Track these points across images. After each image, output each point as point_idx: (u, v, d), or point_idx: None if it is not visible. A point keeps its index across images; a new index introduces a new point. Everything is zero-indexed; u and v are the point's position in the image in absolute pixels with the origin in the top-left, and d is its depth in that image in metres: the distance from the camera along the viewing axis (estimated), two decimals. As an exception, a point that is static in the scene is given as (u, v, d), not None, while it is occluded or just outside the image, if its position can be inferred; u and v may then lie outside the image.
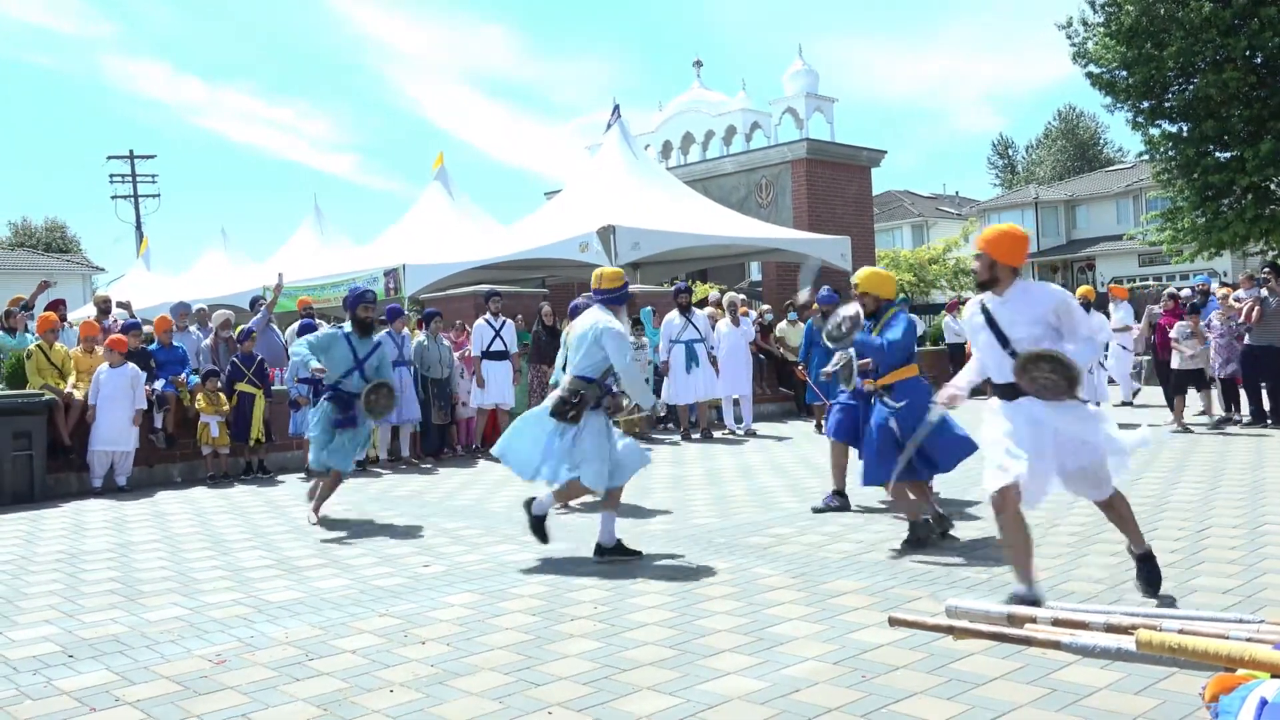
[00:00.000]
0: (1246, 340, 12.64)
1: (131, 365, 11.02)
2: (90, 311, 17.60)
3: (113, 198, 48.97)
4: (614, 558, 6.54)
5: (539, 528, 6.70)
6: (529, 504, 6.74)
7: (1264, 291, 12.51)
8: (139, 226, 48.16)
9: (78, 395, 10.87)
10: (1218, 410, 13.72)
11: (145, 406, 11.04)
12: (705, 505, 8.63)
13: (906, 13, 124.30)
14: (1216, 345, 13.41)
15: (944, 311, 20.71)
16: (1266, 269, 13.00)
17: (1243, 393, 13.17)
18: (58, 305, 13.12)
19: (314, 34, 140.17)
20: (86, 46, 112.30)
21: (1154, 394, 15.75)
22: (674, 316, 13.76)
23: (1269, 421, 12.76)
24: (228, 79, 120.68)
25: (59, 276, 44.45)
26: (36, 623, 5.62)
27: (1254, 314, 12.46)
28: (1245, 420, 12.99)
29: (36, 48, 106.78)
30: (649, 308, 15.13)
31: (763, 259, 23.62)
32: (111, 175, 48.94)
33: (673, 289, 14.69)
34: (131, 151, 48.65)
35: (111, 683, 4.54)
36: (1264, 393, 12.86)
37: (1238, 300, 13.05)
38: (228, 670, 4.65)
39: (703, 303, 15.99)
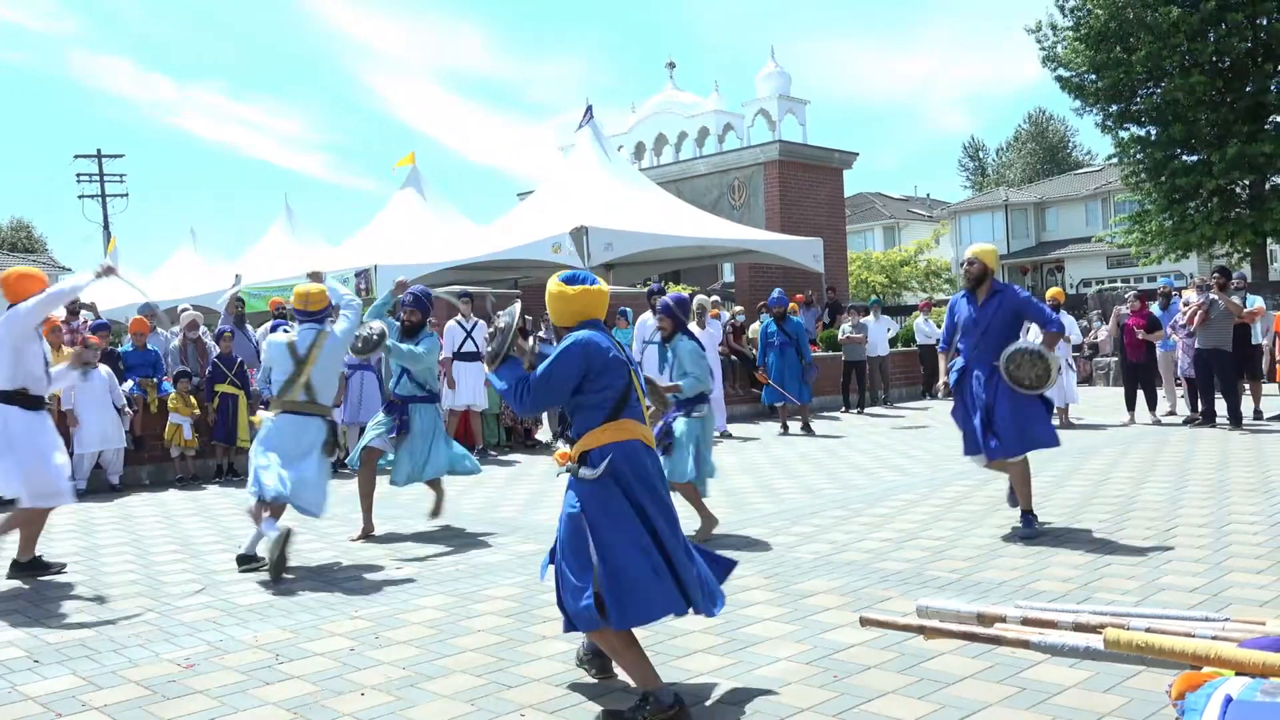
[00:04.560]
0: (1196, 344, 12.85)
1: (104, 366, 10.94)
2: (57, 312, 17.35)
3: (80, 197, 48.46)
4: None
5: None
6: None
7: (1213, 294, 12.68)
8: (106, 226, 47.70)
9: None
10: (1183, 409, 14.00)
11: (124, 404, 11.00)
12: (677, 506, 8.62)
13: (881, 15, 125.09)
14: (1184, 345, 13.59)
15: (916, 312, 20.82)
16: (1215, 273, 13.17)
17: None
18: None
19: (283, 31, 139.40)
20: (53, 43, 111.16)
21: (1102, 394, 15.90)
22: (648, 318, 13.76)
23: (1218, 422, 12.96)
24: (196, 76, 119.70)
25: (25, 276, 43.91)
26: (1, 627, 5.55)
27: (1198, 318, 12.64)
28: (1197, 421, 13.18)
29: (1, 43, 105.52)
30: (626, 308, 15.15)
31: (735, 260, 23.69)
32: (79, 175, 48.42)
33: (647, 290, 14.70)
34: (99, 150, 48.19)
35: (78, 688, 4.49)
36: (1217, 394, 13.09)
37: (1186, 304, 13.22)
38: (196, 674, 4.61)
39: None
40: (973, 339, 6.99)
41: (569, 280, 4.39)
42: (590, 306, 4.36)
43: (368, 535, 7.82)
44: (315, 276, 7.97)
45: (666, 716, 3.81)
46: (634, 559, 3.98)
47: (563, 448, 4.32)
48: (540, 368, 4.22)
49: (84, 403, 10.64)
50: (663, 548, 4.10)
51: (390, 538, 7.74)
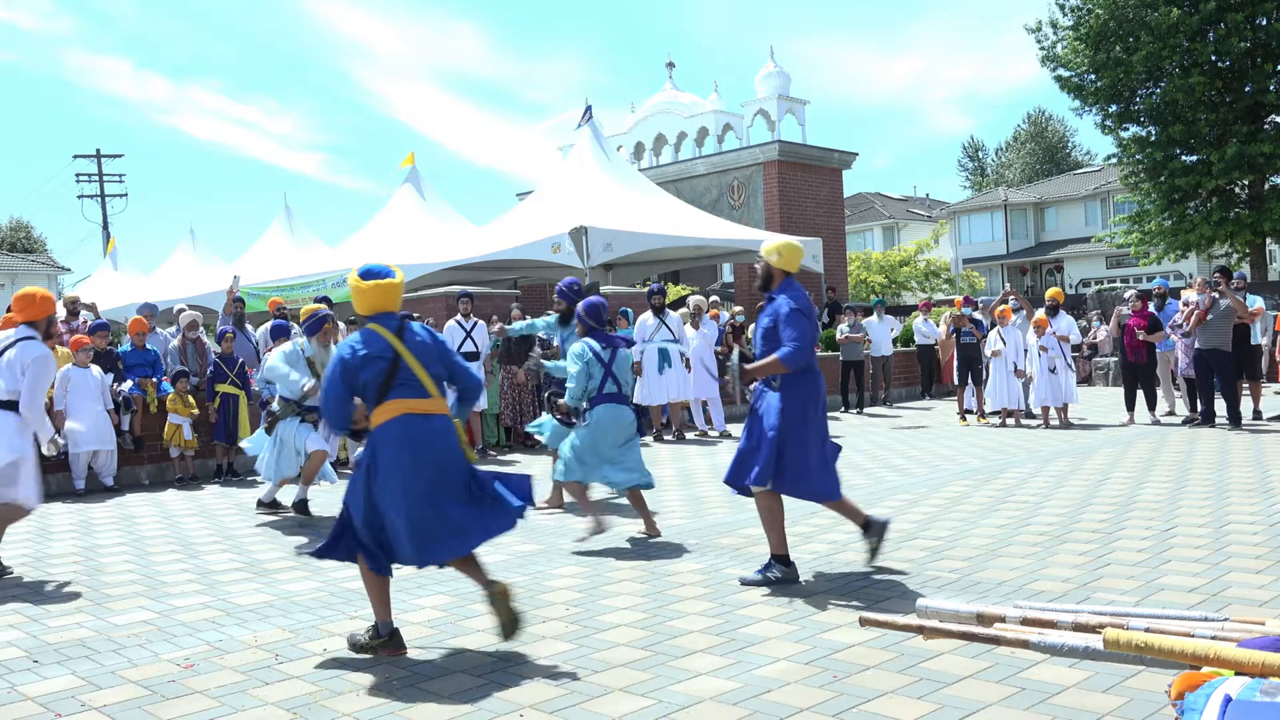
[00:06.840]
0: (1196, 344, 12.84)
1: (95, 367, 10.94)
2: (58, 312, 17.38)
3: (79, 197, 48.53)
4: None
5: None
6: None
7: (1217, 294, 12.67)
8: (105, 226, 47.71)
9: (43, 397, 10.75)
10: (1183, 408, 14.00)
11: (111, 407, 10.99)
12: (677, 506, 8.65)
13: (879, 14, 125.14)
14: (1183, 345, 13.59)
15: (915, 313, 20.83)
16: (1216, 273, 13.15)
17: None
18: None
19: (281, 31, 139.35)
20: (48, 42, 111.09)
21: (1102, 394, 15.92)
22: (648, 318, 13.78)
23: (1217, 422, 12.95)
24: (193, 76, 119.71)
25: (24, 277, 43.98)
26: (1, 627, 5.55)
27: (1196, 318, 12.63)
28: (1197, 421, 13.18)
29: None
30: (627, 308, 15.17)
31: (735, 260, 23.70)
32: (78, 175, 48.49)
33: (647, 290, 14.70)
34: (98, 151, 48.25)
35: (77, 688, 4.49)
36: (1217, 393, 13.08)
37: (1187, 304, 13.22)
38: (196, 675, 4.61)
39: (676, 304, 16.02)
40: (758, 350, 5.95)
41: (364, 275, 4.76)
42: (382, 300, 4.73)
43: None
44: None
45: (380, 642, 4.71)
46: (370, 524, 4.65)
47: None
48: (322, 390, 4.78)
49: (77, 403, 10.63)
50: (430, 502, 4.57)
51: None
